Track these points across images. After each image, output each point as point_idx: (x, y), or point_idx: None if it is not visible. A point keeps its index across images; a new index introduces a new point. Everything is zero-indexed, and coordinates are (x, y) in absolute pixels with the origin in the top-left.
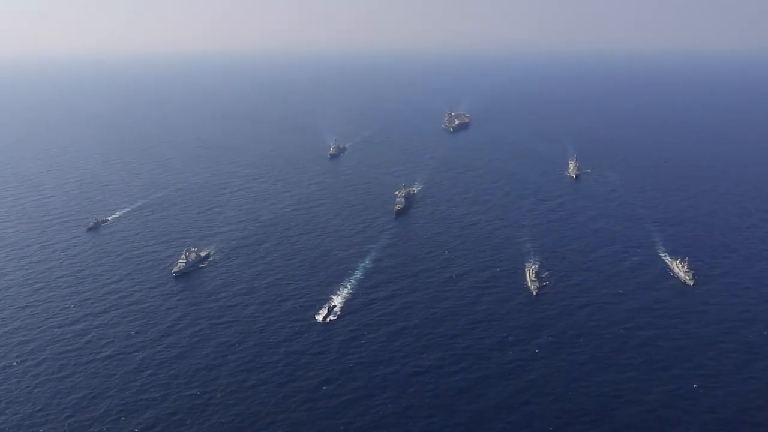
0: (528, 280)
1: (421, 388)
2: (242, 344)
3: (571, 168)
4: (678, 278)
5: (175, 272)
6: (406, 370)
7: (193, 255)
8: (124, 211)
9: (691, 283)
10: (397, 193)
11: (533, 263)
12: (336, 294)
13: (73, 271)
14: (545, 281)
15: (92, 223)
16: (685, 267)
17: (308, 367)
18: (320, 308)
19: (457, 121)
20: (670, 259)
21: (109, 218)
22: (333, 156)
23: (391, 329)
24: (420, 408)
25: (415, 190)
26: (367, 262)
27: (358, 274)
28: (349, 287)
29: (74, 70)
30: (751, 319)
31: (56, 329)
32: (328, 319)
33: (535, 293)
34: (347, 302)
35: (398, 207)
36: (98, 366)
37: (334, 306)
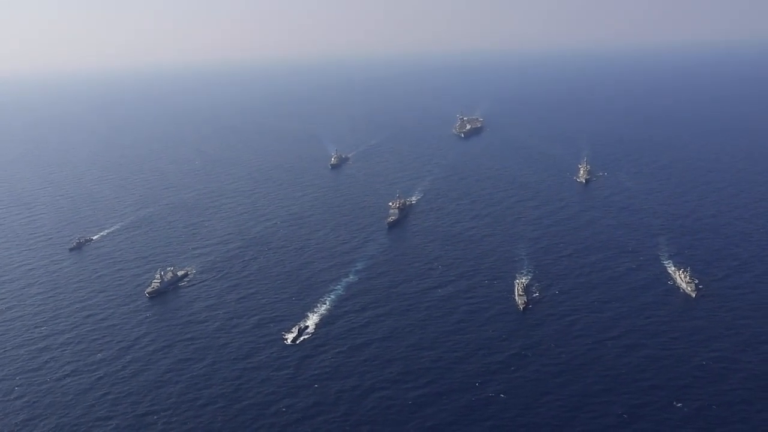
0: (516, 294)
1: (378, 403)
2: (202, 361)
3: (581, 172)
4: (680, 289)
5: (148, 292)
6: (366, 385)
7: (170, 274)
8: (112, 228)
9: (693, 295)
10: (391, 204)
11: (524, 276)
12: (312, 310)
13: (46, 290)
14: (535, 293)
15: (75, 243)
16: (687, 277)
17: (265, 384)
18: (291, 327)
19: (468, 126)
20: (673, 269)
21: (94, 237)
22: (334, 166)
23: (359, 343)
24: (372, 424)
25: (414, 200)
26: (351, 277)
27: (339, 288)
28: (327, 303)
29: (76, 87)
30: (746, 334)
31: (19, 349)
32: (298, 341)
33: (522, 308)
34: (322, 318)
35: (391, 219)
36: (53, 386)
37: (306, 327)
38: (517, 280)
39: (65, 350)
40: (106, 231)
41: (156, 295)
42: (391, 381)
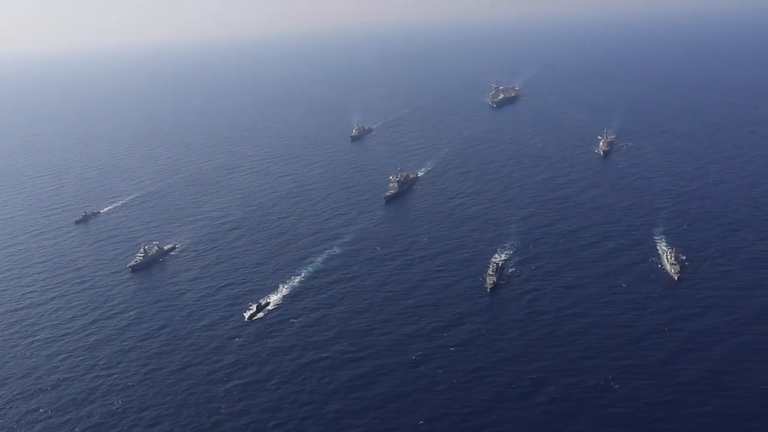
0: (487, 273)
1: (308, 366)
2: (162, 330)
3: (601, 143)
4: (664, 270)
5: (131, 266)
6: (299, 347)
7: (155, 248)
8: (124, 201)
9: (676, 278)
10: (391, 177)
11: (503, 253)
12: (283, 281)
13: (43, 259)
14: (511, 268)
15: (81, 216)
16: (673, 258)
17: (211, 354)
18: (258, 299)
19: (502, 96)
20: (664, 248)
21: (103, 210)
22: (354, 138)
23: (314, 316)
24: (295, 385)
25: (420, 173)
26: (334, 249)
27: (319, 260)
28: (301, 274)
29: (120, 60)
30: (712, 319)
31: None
32: (255, 318)
33: (489, 289)
34: (290, 289)
35: (389, 193)
36: (23, 349)
37: (267, 303)
38: (494, 258)
39: (42, 315)
40: (120, 202)
41: (139, 268)
42: (326, 345)
